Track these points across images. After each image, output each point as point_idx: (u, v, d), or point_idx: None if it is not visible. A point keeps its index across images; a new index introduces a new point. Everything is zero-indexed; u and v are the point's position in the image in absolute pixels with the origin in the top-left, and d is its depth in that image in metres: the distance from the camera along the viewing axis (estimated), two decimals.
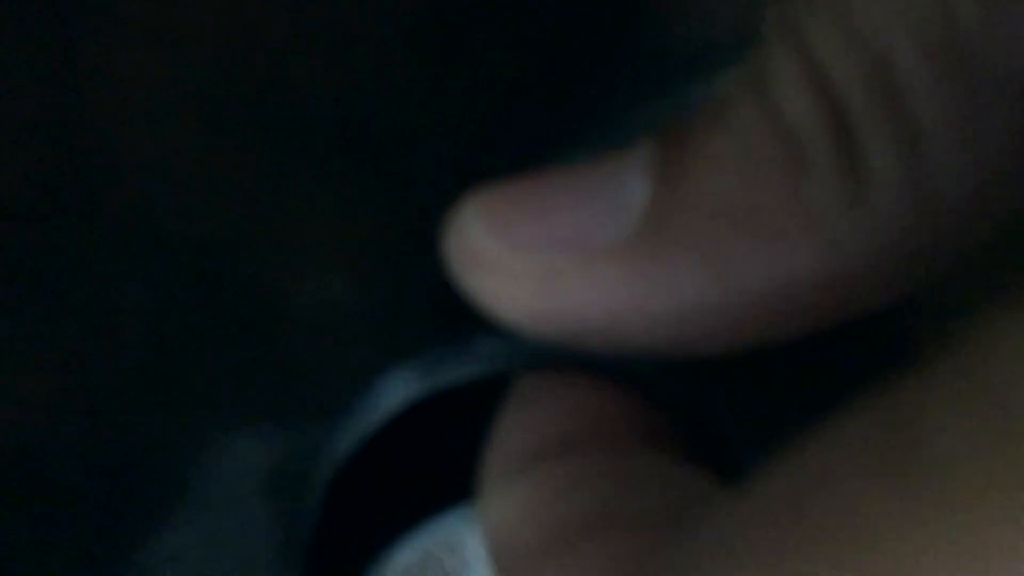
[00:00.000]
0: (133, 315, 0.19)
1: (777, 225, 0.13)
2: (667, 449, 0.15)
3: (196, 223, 0.20)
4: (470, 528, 0.22)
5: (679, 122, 0.14)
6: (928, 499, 0.08)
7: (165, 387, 0.18)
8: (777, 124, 0.13)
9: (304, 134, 0.20)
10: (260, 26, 0.21)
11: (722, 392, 0.18)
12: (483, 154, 0.20)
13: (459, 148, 0.20)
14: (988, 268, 0.19)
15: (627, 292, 0.14)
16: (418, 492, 0.22)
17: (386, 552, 0.22)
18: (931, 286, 0.14)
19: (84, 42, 0.21)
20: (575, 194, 0.15)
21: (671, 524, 0.13)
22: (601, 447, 0.14)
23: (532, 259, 0.14)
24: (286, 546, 0.18)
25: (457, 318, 0.17)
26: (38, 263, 0.19)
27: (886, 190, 0.13)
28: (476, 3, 0.21)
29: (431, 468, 0.22)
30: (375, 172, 0.20)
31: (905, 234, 0.13)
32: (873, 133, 0.13)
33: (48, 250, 0.19)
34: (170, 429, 0.19)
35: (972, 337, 0.08)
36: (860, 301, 0.14)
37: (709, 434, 0.18)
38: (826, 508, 0.08)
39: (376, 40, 0.21)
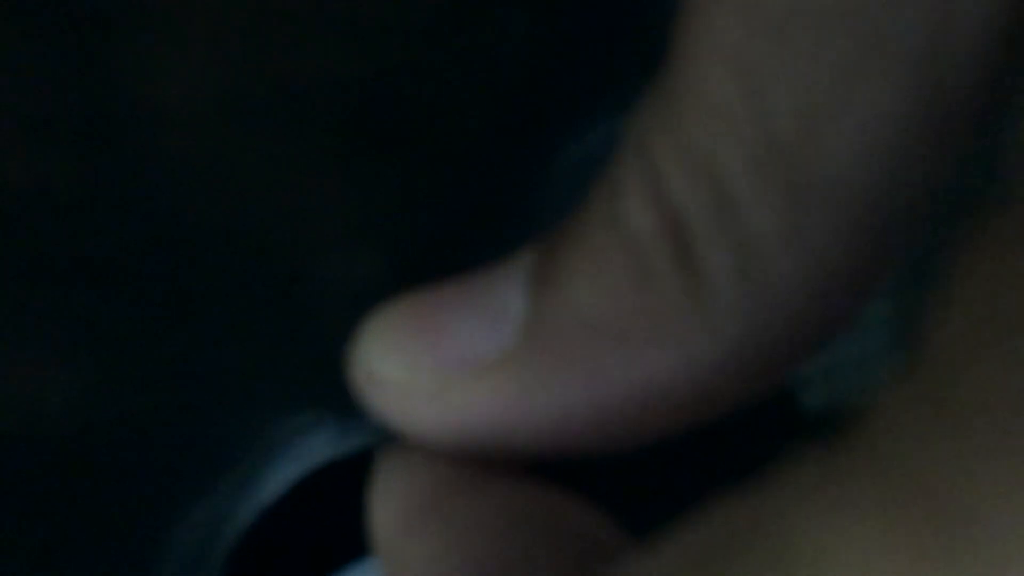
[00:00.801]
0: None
1: (630, 334, 0.14)
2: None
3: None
4: None
5: (555, 231, 0.16)
6: None
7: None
8: (624, 236, 0.15)
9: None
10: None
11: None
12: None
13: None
14: None
15: (509, 403, 0.15)
16: (324, 550, 0.23)
17: None
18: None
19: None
20: (461, 310, 0.16)
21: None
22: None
23: (423, 377, 0.16)
24: None
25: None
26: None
27: (724, 295, 0.14)
28: None
29: (337, 526, 0.23)
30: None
31: (748, 335, 0.14)
32: (708, 241, 0.14)
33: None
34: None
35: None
36: (724, 397, 0.15)
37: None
38: None
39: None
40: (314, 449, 0.20)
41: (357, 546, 0.22)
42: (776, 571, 0.09)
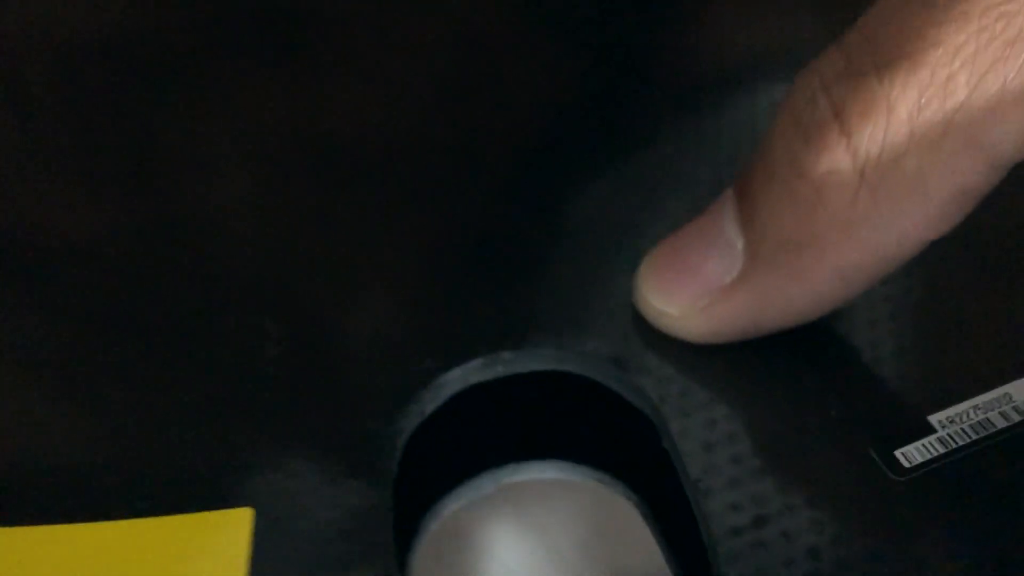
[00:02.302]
0: (199, 348, 0.23)
1: (816, 243, 0.21)
2: None
3: (254, 261, 0.23)
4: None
5: (748, 168, 0.22)
6: None
7: (228, 412, 0.22)
8: (804, 173, 0.21)
9: (355, 172, 0.24)
10: (312, 86, 0.25)
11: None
12: (519, 178, 0.25)
13: (496, 175, 0.25)
14: None
15: (750, 309, 0.22)
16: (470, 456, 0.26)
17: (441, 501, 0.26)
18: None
19: (163, 107, 0.25)
20: (698, 251, 0.23)
21: None
22: None
23: (688, 308, 0.23)
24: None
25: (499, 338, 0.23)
26: (116, 302, 0.23)
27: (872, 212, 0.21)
28: (506, 51, 0.25)
29: (480, 442, 0.27)
30: (420, 202, 0.24)
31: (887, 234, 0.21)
32: (876, 177, 0.21)
33: (124, 290, 0.23)
34: (232, 450, 0.22)
35: None
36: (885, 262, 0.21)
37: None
38: None
39: (414, 91, 0.25)
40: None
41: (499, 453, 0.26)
42: None
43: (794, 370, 0.24)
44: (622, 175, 0.27)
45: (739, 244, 0.22)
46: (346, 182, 0.25)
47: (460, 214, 0.25)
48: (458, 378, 0.24)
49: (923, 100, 0.19)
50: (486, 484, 0.27)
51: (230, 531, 0.20)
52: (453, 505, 0.26)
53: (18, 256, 0.24)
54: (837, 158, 0.20)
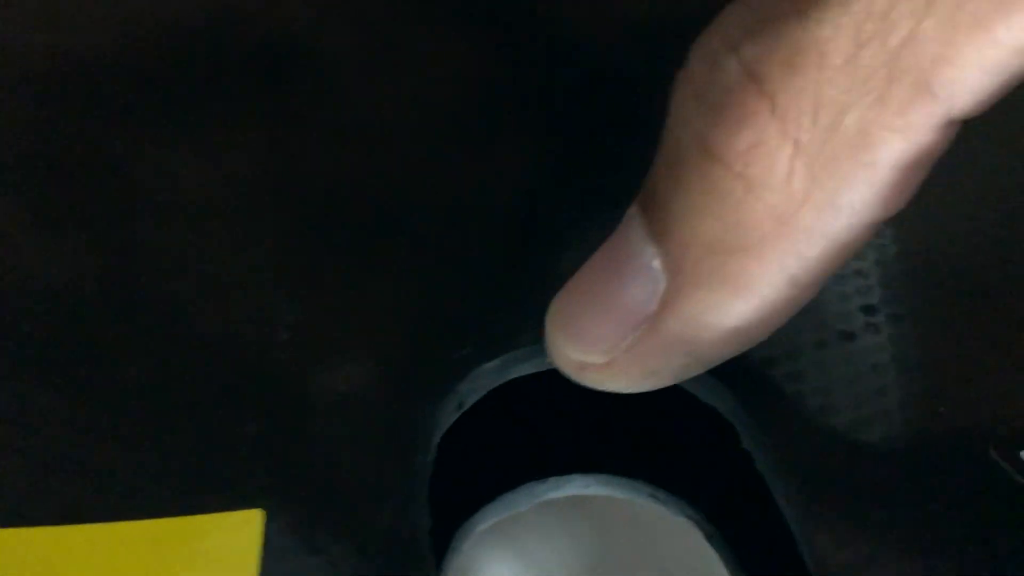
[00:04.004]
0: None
1: (739, 241, 0.17)
2: None
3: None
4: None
5: (648, 174, 0.18)
6: None
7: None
8: (712, 170, 0.17)
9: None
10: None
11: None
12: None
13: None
14: None
15: (684, 329, 0.18)
16: (500, 468, 0.23)
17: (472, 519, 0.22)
18: None
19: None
20: (611, 282, 0.18)
21: None
22: None
23: (608, 351, 0.18)
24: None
25: None
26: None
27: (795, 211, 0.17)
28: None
29: (510, 447, 0.23)
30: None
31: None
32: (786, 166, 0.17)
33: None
34: (247, 447, 0.20)
35: None
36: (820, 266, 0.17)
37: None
38: None
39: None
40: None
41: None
42: None
43: (889, 361, 0.20)
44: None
45: (655, 263, 0.18)
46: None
47: (485, 202, 0.22)
48: (499, 369, 0.21)
49: (861, 38, 0.16)
50: (523, 500, 0.23)
51: (240, 533, 0.18)
52: (486, 522, 0.23)
53: None
54: (761, 127, 0.16)
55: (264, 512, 0.19)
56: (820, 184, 0.16)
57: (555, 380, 0.22)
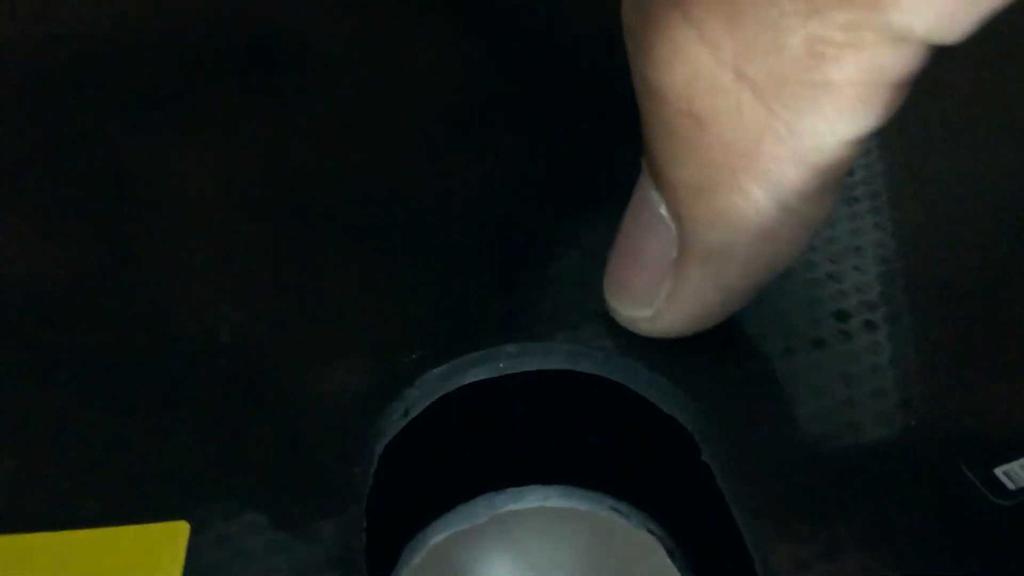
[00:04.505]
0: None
1: (728, 170, 0.16)
2: None
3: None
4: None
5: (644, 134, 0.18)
6: None
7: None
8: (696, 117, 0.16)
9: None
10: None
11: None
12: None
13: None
14: None
15: (705, 280, 0.18)
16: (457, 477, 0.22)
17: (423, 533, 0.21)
18: None
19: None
20: (637, 236, 0.19)
21: None
22: None
23: (650, 303, 0.19)
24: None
25: None
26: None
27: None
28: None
29: (472, 455, 0.22)
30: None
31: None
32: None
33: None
34: (175, 456, 0.19)
35: None
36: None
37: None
38: None
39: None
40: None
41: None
42: None
43: (861, 371, 0.19)
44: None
45: (662, 210, 0.18)
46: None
47: (460, 201, 0.21)
48: (450, 374, 0.20)
49: None
50: (480, 511, 0.22)
51: (164, 545, 0.17)
52: (440, 535, 0.22)
53: None
54: (692, 58, 0.15)
55: (189, 525, 0.18)
56: (774, 113, 0.15)
57: (511, 386, 0.21)
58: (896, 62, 0.15)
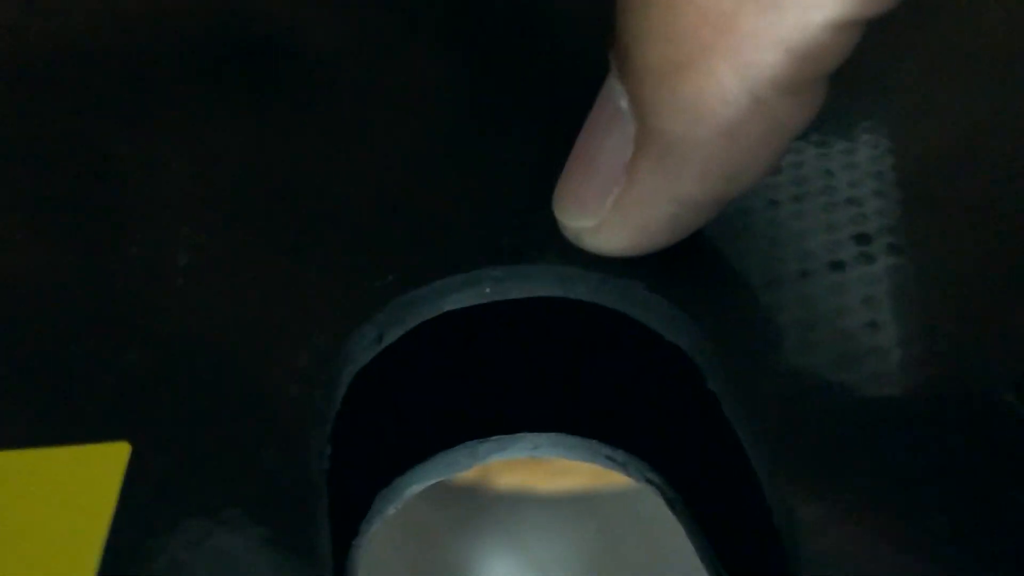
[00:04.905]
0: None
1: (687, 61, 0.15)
2: None
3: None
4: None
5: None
6: None
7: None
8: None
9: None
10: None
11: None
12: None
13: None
14: None
15: (659, 184, 0.17)
16: (435, 422, 0.20)
17: (398, 482, 0.20)
18: None
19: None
20: (594, 137, 0.17)
21: None
22: None
23: (598, 212, 0.17)
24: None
25: None
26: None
27: None
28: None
29: (451, 399, 0.20)
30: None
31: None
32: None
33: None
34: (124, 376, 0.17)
35: None
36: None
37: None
38: None
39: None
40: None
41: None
42: None
43: (883, 293, 0.18)
44: None
45: (623, 103, 0.16)
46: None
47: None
48: (428, 298, 0.18)
49: None
50: (462, 460, 0.20)
51: (103, 466, 0.15)
52: (418, 484, 0.20)
53: None
54: None
55: (130, 446, 0.16)
56: None
57: (497, 316, 0.19)
58: None
